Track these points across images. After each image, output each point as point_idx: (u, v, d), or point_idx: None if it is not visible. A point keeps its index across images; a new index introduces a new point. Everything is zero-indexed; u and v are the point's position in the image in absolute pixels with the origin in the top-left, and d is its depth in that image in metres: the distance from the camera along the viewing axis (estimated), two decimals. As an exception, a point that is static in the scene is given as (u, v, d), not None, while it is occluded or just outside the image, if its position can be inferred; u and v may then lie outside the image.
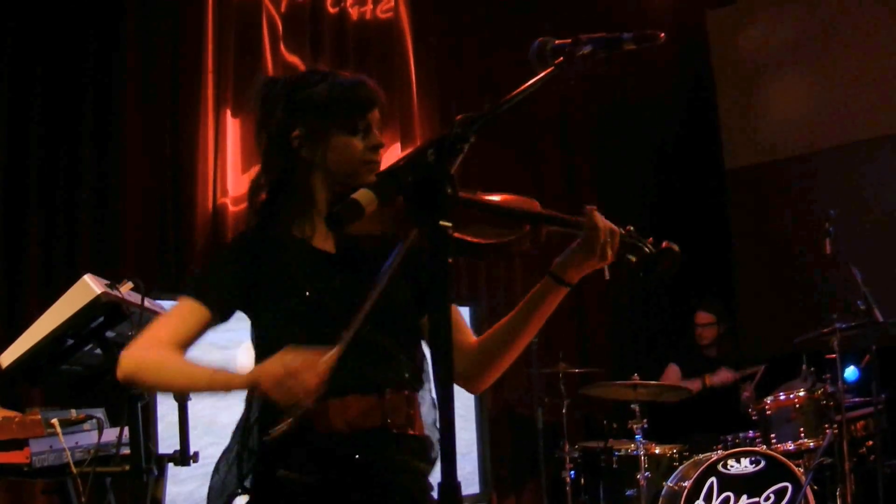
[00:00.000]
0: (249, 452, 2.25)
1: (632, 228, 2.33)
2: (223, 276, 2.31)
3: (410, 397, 2.30)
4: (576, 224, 2.24)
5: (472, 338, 2.44)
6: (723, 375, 6.40)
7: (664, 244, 2.33)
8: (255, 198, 2.37)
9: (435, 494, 2.31)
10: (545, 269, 2.31)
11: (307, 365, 2.00)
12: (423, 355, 2.39)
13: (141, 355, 2.22)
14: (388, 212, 1.96)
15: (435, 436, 2.35)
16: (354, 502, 2.22)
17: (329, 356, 2.01)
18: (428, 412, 2.37)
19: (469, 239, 2.15)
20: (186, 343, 2.25)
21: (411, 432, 2.28)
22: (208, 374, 2.14)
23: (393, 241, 2.03)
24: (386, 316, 2.23)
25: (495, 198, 2.25)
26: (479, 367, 2.40)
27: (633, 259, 2.30)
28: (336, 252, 2.33)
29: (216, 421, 4.70)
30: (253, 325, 2.34)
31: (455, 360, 2.26)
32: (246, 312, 2.33)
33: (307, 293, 2.24)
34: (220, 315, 2.27)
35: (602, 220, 2.23)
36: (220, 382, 2.14)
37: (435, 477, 2.11)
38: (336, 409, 2.19)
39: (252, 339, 2.35)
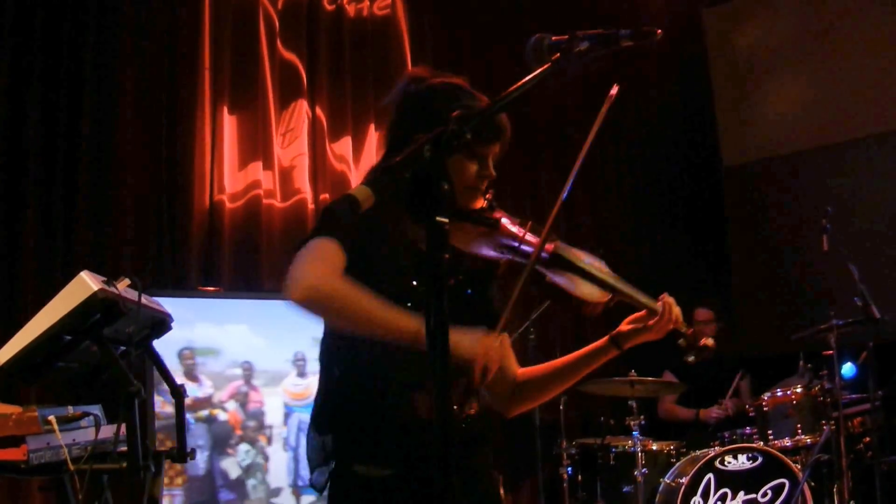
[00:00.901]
0: (333, 433, 2.32)
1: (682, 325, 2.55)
2: (351, 229, 2.28)
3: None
4: (649, 308, 2.51)
5: (517, 368, 2.58)
6: (716, 412, 6.38)
7: (703, 342, 2.58)
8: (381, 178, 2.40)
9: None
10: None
11: (488, 348, 2.16)
12: None
13: (328, 281, 2.19)
14: (474, 233, 2.25)
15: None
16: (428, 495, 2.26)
17: (502, 344, 2.21)
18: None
19: (565, 288, 2.39)
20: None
21: (473, 412, 2.38)
22: (414, 327, 2.11)
23: (490, 269, 2.31)
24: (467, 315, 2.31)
25: (596, 263, 2.47)
26: (517, 399, 2.58)
27: (683, 344, 2.59)
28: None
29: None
30: None
31: (501, 388, 2.53)
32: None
33: (403, 283, 2.29)
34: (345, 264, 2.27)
35: (674, 312, 2.49)
36: (423, 339, 2.03)
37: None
38: (422, 401, 2.25)
39: None
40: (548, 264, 2.37)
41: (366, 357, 2.29)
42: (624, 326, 2.56)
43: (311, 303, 2.19)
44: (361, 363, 2.29)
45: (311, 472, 2.38)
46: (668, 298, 2.49)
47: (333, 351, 2.38)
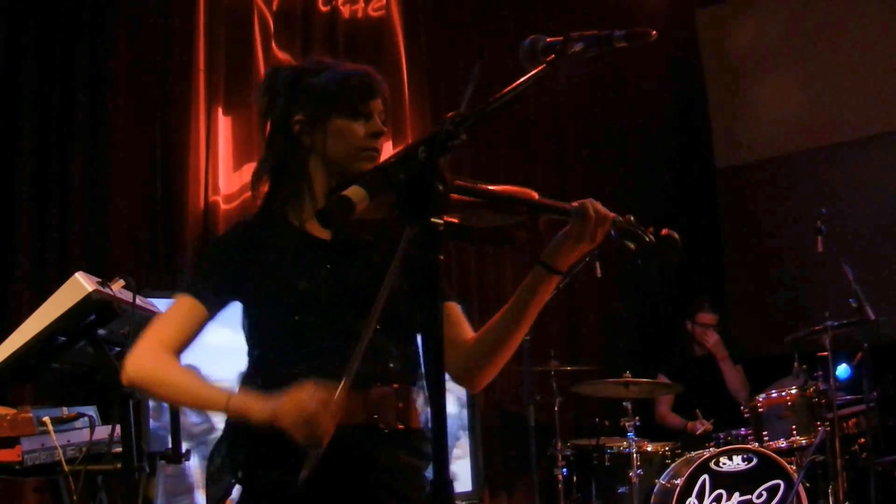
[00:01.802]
0: (239, 445, 2.23)
1: (632, 217, 2.30)
2: (217, 270, 2.29)
3: (402, 391, 2.26)
4: (567, 211, 2.22)
5: (471, 334, 2.42)
6: (707, 426, 6.39)
7: (664, 231, 2.30)
8: (258, 186, 2.37)
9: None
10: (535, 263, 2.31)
11: (322, 406, 1.99)
12: (417, 349, 2.36)
13: (150, 366, 2.20)
14: (385, 198, 1.93)
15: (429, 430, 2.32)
16: (338, 501, 2.19)
17: (339, 395, 1.98)
18: (425, 406, 2.32)
19: (466, 224, 2.16)
20: (187, 343, 2.25)
21: (401, 427, 2.24)
22: (223, 399, 2.13)
23: (390, 228, 1.98)
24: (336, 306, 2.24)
25: (494, 187, 2.22)
26: (476, 363, 2.38)
27: (632, 246, 2.26)
28: (331, 239, 2.30)
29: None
30: (245, 315, 2.32)
31: (454, 358, 2.34)
32: (239, 301, 2.31)
33: (300, 286, 2.23)
34: (215, 310, 2.27)
35: (593, 206, 2.20)
36: (234, 410, 2.11)
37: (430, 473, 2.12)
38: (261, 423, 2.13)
39: (244, 329, 2.33)
40: (458, 208, 2.14)
41: (276, 368, 2.23)
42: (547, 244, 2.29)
43: (137, 389, 2.25)
44: (275, 375, 2.21)
45: (210, 486, 2.28)
46: (587, 201, 2.20)
47: (250, 349, 2.33)
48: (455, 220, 2.13)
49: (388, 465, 2.23)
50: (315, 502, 2.16)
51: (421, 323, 1.74)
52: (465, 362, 2.37)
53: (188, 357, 2.26)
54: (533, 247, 2.31)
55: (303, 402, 2.00)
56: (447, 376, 2.19)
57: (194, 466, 5.28)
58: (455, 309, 2.42)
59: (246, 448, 2.22)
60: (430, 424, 2.27)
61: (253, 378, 2.26)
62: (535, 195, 2.25)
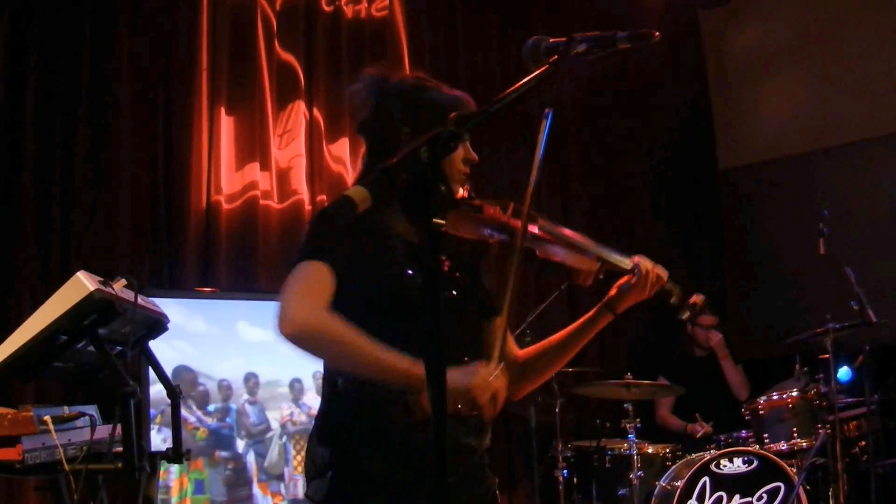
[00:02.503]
0: (342, 439, 2.34)
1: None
2: (341, 243, 2.33)
3: None
4: (627, 268, 2.59)
5: (517, 349, 2.65)
6: (706, 429, 6.38)
7: (692, 299, 2.70)
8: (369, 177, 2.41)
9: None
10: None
11: (487, 383, 2.17)
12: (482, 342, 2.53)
13: (320, 321, 2.22)
14: (471, 220, 2.32)
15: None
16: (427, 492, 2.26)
17: (498, 376, 2.20)
18: None
19: (557, 259, 2.49)
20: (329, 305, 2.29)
21: (475, 413, 2.32)
22: (405, 365, 2.16)
23: (478, 250, 2.34)
24: (465, 316, 2.44)
25: (579, 235, 2.55)
26: (522, 379, 2.63)
27: (675, 302, 2.70)
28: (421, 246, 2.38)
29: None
30: (348, 294, 2.33)
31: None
32: (348, 282, 2.34)
33: (405, 277, 2.34)
34: (340, 280, 2.31)
35: (649, 265, 2.58)
36: (415, 379, 2.12)
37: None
38: (416, 401, 2.22)
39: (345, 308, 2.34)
40: (536, 240, 2.44)
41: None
42: (613, 290, 2.64)
43: (301, 341, 2.23)
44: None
45: (309, 482, 2.39)
46: (640, 258, 2.59)
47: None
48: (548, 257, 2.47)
49: (468, 448, 2.41)
50: (412, 492, 2.26)
51: (425, 324, 1.73)
52: (511, 376, 2.47)
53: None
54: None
55: (489, 382, 2.18)
56: None
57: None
58: (504, 323, 2.47)
59: (349, 441, 2.32)
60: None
61: (336, 374, 2.39)
62: (606, 252, 2.57)
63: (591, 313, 2.65)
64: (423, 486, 2.23)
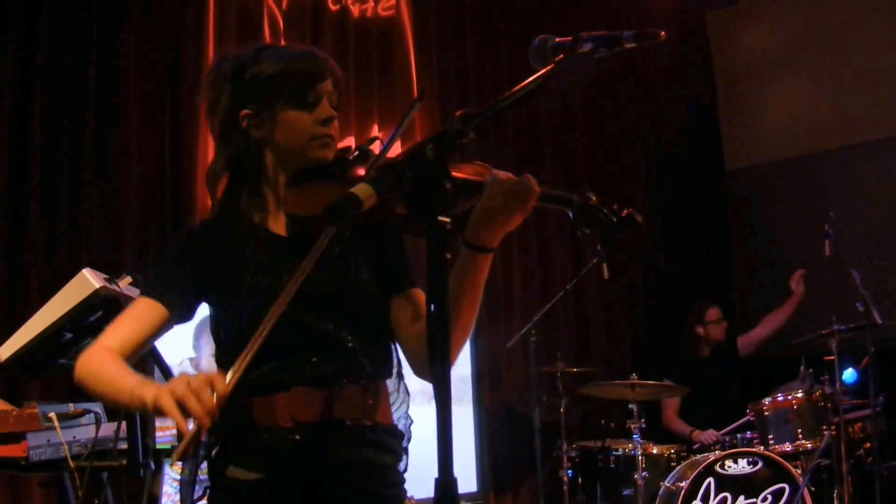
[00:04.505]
0: (206, 448, 2.19)
1: (593, 197, 2.16)
2: (176, 271, 2.24)
3: (370, 386, 2.20)
4: (479, 185, 2.05)
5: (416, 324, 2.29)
6: (708, 435, 6.37)
7: (625, 212, 2.11)
8: (215, 184, 2.29)
9: (406, 487, 2.28)
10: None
11: (204, 385, 1.87)
12: (389, 340, 2.29)
13: (87, 361, 2.14)
14: (336, 191, 1.87)
15: (407, 424, 2.33)
16: (300, 499, 2.15)
17: (231, 376, 1.91)
18: (399, 400, 2.31)
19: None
20: (140, 344, 2.19)
21: (369, 423, 2.19)
22: (128, 388, 2.01)
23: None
24: (337, 302, 2.18)
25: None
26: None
27: (588, 231, 2.13)
28: (289, 235, 2.25)
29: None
30: (210, 315, 2.27)
31: (413, 347, 2.25)
32: (204, 300, 2.26)
33: (260, 283, 2.17)
34: (179, 312, 2.22)
35: (504, 174, 2.04)
36: (136, 398, 1.99)
37: (426, 473, 2.08)
38: (281, 403, 2.12)
39: (210, 329, 2.27)
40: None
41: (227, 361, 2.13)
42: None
43: (80, 384, 2.16)
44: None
45: (184, 488, 2.31)
46: (496, 171, 2.06)
47: (216, 352, 2.29)
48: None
49: (353, 460, 2.17)
50: (277, 499, 2.14)
51: (428, 324, 1.71)
52: (421, 351, 2.21)
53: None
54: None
55: (184, 382, 1.88)
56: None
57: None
58: (418, 295, 2.28)
59: (216, 446, 2.19)
60: (409, 416, 2.32)
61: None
62: (488, 168, 2.13)
63: (456, 262, 2.06)
64: (273, 485, 2.14)
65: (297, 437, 2.11)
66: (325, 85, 2.26)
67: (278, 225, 2.26)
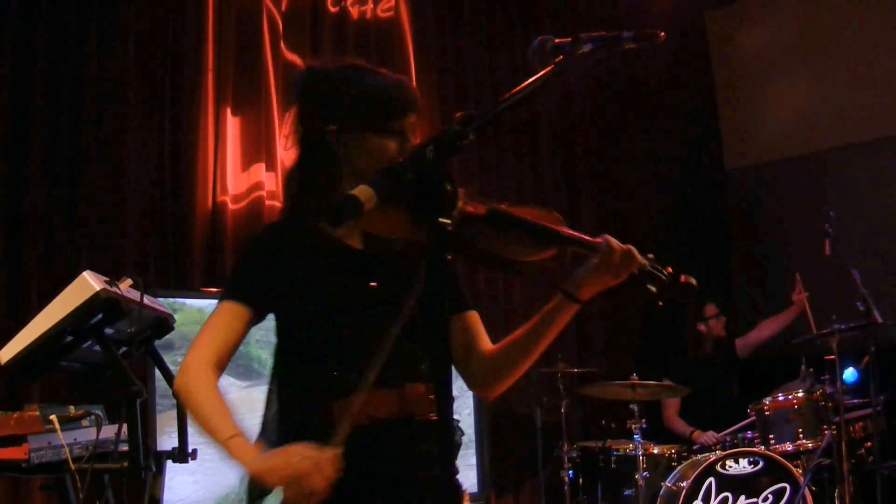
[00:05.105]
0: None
1: (651, 256, 2.33)
2: (255, 275, 2.30)
3: (432, 387, 2.25)
4: (594, 247, 2.25)
5: (489, 345, 2.47)
6: (709, 436, 6.37)
7: (682, 278, 2.33)
8: (289, 188, 2.39)
9: (459, 478, 2.37)
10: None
11: (315, 467, 1.97)
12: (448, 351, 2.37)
13: (188, 381, 2.21)
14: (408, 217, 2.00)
15: (456, 422, 2.49)
16: (377, 493, 2.22)
17: (334, 455, 1.98)
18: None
19: (498, 254, 2.17)
20: (234, 349, 2.27)
21: (435, 419, 2.23)
22: (225, 436, 2.11)
23: (417, 247, 2.01)
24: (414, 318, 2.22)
25: (524, 214, 2.22)
26: (492, 376, 2.46)
27: (653, 289, 2.31)
28: (362, 250, 2.31)
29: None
30: (277, 323, 2.33)
31: (471, 366, 2.43)
32: (272, 309, 2.32)
33: (334, 296, 2.25)
34: (260, 311, 2.29)
35: (617, 243, 2.25)
36: (232, 449, 2.09)
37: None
38: (359, 403, 2.14)
39: (277, 338, 2.34)
40: (471, 222, 2.11)
41: (310, 379, 2.27)
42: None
43: (181, 400, 2.25)
44: (308, 387, 2.27)
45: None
46: (605, 237, 2.25)
47: (279, 359, 2.35)
48: (489, 251, 2.15)
49: (424, 454, 2.25)
50: (355, 494, 2.17)
51: (429, 324, 1.73)
52: (482, 373, 2.44)
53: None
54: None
55: (292, 463, 1.98)
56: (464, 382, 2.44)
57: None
58: (475, 318, 2.45)
59: None
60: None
61: (288, 389, 2.30)
62: (560, 219, 2.27)
63: (550, 303, 2.33)
64: (362, 489, 2.18)
65: (375, 433, 2.18)
66: (410, 118, 2.31)
67: (353, 239, 2.32)
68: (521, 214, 2.20)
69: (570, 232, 2.24)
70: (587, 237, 2.26)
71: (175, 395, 2.26)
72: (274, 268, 2.28)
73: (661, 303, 2.33)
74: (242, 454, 2.08)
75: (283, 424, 2.27)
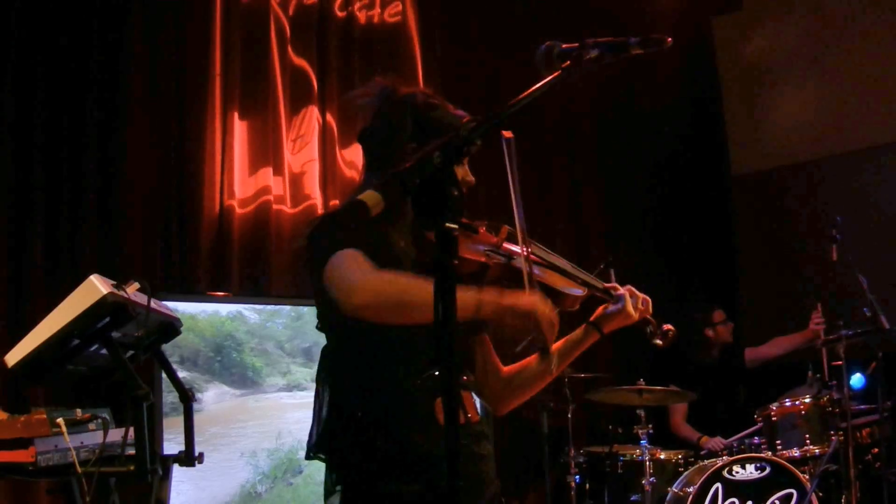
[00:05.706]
0: (344, 461, 2.35)
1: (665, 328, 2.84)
2: (364, 240, 2.32)
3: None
4: (613, 296, 2.71)
5: (501, 364, 2.67)
6: (716, 442, 6.37)
7: (665, 327, 2.85)
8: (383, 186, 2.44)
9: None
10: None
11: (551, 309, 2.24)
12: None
13: (370, 281, 2.21)
14: (473, 240, 2.37)
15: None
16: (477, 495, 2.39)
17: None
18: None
19: (549, 284, 2.47)
20: None
21: (477, 419, 2.45)
22: (473, 296, 2.16)
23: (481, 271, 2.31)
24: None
25: (564, 261, 2.63)
26: (508, 394, 2.67)
27: (649, 330, 2.84)
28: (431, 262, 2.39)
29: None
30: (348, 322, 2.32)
31: (488, 384, 2.64)
32: None
33: None
34: None
35: (637, 296, 2.70)
36: (490, 304, 2.17)
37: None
38: (440, 408, 2.25)
39: (334, 325, 2.40)
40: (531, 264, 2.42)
41: (379, 374, 2.34)
42: (600, 311, 2.72)
43: (377, 303, 2.21)
44: (374, 383, 2.34)
45: (326, 498, 2.39)
46: (628, 288, 2.70)
47: (341, 371, 2.40)
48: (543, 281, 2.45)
49: (481, 454, 2.51)
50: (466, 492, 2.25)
51: (436, 330, 1.73)
52: (499, 390, 2.67)
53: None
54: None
55: (544, 303, 2.23)
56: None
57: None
58: (487, 338, 2.62)
59: (361, 468, 2.33)
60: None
61: (356, 382, 2.37)
62: (592, 280, 2.66)
63: (578, 332, 2.70)
64: (433, 495, 2.26)
65: (467, 433, 2.38)
66: (474, 151, 2.36)
67: (420, 255, 2.44)
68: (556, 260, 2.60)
69: (601, 284, 2.68)
70: (609, 285, 2.72)
71: (361, 306, 2.20)
72: (371, 252, 2.31)
73: (657, 342, 2.84)
74: (504, 299, 2.19)
75: (376, 420, 2.32)
